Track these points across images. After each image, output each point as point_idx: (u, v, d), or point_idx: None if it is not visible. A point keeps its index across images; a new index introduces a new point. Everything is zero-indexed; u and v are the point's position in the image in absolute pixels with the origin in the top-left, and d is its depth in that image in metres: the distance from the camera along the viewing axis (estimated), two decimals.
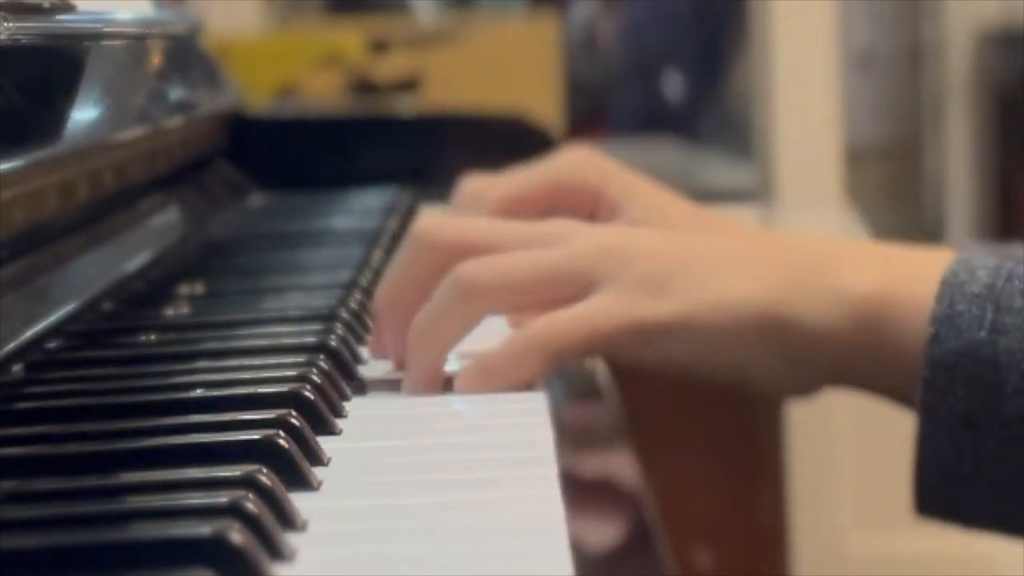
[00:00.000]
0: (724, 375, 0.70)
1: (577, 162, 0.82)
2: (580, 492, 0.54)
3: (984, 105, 2.93)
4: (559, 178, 0.80)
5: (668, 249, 0.70)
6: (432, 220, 0.72)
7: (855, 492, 2.09)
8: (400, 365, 0.70)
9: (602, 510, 0.56)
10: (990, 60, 2.90)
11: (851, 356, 0.69)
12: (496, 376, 0.66)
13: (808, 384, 0.72)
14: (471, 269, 0.68)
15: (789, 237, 0.79)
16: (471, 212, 0.81)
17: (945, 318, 0.67)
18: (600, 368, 0.71)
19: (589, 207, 0.79)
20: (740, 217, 0.82)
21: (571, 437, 0.60)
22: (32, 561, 0.45)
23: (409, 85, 2.01)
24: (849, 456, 2.05)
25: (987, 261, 0.69)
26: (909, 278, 0.69)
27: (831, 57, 2.01)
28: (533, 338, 0.67)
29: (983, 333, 0.66)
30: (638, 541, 0.52)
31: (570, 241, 0.70)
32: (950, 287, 0.68)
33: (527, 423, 0.61)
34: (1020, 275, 0.68)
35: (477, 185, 0.84)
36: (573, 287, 0.68)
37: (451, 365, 0.69)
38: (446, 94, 2.02)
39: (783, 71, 2.00)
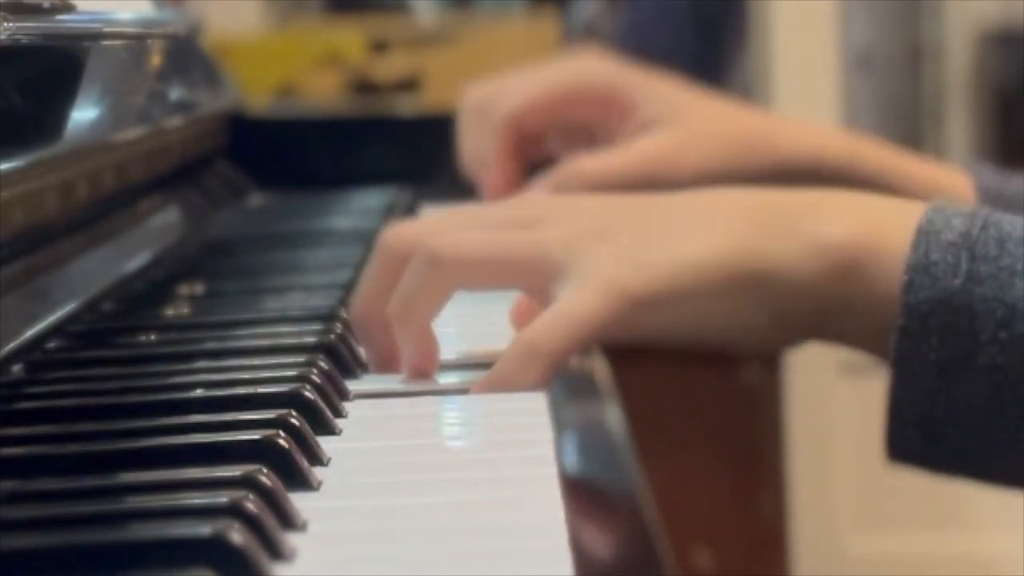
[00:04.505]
0: (713, 338, 0.70)
1: (586, 68, 0.81)
2: (580, 492, 0.54)
3: (984, 105, 2.93)
4: (569, 87, 0.79)
5: (637, 221, 0.70)
6: (394, 226, 0.72)
7: (855, 492, 2.09)
8: (394, 364, 0.70)
9: (602, 510, 0.56)
10: (990, 60, 2.90)
11: (829, 306, 0.69)
12: (501, 391, 0.67)
13: (791, 337, 0.73)
14: (436, 242, 0.68)
15: (764, 188, 0.79)
16: (480, 129, 0.79)
17: (920, 266, 0.67)
18: (600, 368, 0.71)
19: (600, 112, 0.78)
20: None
21: (571, 437, 0.60)
22: (32, 561, 0.45)
23: (409, 85, 2.00)
24: (849, 456, 2.05)
25: (963, 209, 0.69)
26: (885, 226, 0.69)
27: (831, 57, 2.01)
28: (525, 347, 0.66)
29: (958, 281, 0.67)
30: (638, 541, 0.52)
31: (538, 227, 0.69)
32: (925, 235, 0.68)
33: (527, 423, 0.61)
34: (995, 223, 0.68)
35: (483, 97, 0.83)
36: (543, 275, 0.68)
37: (451, 377, 0.69)
38: (446, 94, 2.01)
39: (783, 71, 2.00)
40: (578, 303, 0.66)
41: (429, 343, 0.68)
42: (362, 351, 0.72)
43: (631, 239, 0.68)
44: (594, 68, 0.81)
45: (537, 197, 0.73)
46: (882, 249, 0.68)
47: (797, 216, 0.70)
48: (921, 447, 0.69)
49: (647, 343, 0.69)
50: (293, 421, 0.57)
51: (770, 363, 1.68)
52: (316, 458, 0.56)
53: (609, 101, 0.78)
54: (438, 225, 0.71)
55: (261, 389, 0.62)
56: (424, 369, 0.68)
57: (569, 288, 0.67)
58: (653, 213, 0.70)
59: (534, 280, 0.68)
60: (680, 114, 0.80)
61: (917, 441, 0.69)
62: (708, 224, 0.69)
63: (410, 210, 1.10)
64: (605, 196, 0.75)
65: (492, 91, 0.88)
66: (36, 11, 0.76)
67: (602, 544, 0.52)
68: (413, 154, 1.22)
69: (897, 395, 0.68)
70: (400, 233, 0.71)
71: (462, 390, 0.67)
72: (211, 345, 0.72)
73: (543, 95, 0.78)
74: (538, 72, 0.82)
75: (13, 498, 0.51)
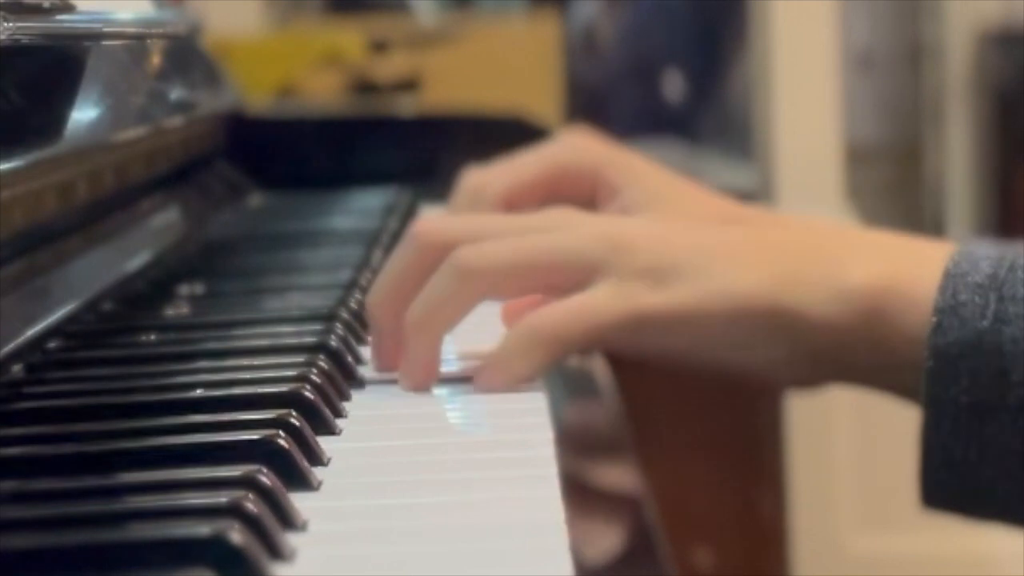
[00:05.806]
0: (725, 366, 0.70)
1: (575, 148, 0.82)
2: (580, 492, 0.54)
3: (984, 105, 2.93)
4: (558, 165, 0.80)
5: (669, 239, 0.70)
6: (428, 220, 0.72)
7: (855, 492, 2.09)
8: (396, 365, 0.70)
9: (602, 510, 0.56)
10: (990, 60, 2.90)
11: (854, 348, 0.69)
12: (499, 372, 0.66)
13: (811, 377, 0.72)
14: (469, 252, 0.67)
15: (791, 225, 0.79)
16: (472, 210, 0.80)
17: (948, 308, 0.67)
18: (600, 368, 0.71)
19: (589, 192, 0.79)
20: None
21: (571, 437, 0.60)
22: (32, 561, 0.45)
23: (409, 85, 2.00)
24: (849, 456, 2.04)
25: (989, 251, 0.69)
26: (911, 269, 0.69)
27: (831, 57, 2.01)
28: (534, 331, 0.66)
29: (987, 323, 0.66)
30: (638, 541, 0.52)
31: (570, 229, 0.69)
32: (952, 277, 0.68)
33: (527, 423, 0.61)
34: (1022, 264, 0.68)
35: (476, 181, 0.84)
36: (573, 275, 0.68)
37: (450, 366, 0.69)
38: (446, 94, 2.02)
39: (783, 71, 2.00)
40: (590, 302, 0.67)
41: (434, 357, 0.68)
42: (364, 350, 0.72)
43: (659, 256, 0.68)
44: (583, 150, 0.81)
45: (566, 212, 0.73)
46: (909, 293, 0.68)
47: (825, 257, 0.69)
48: (956, 491, 0.68)
49: (660, 362, 0.69)
50: (293, 421, 0.57)
51: None
52: (316, 458, 0.56)
53: (595, 183, 0.79)
54: (471, 227, 0.70)
55: (261, 389, 0.62)
56: (420, 383, 0.67)
57: (590, 290, 0.67)
58: (685, 237, 0.70)
59: (563, 279, 0.68)
60: (661, 203, 0.81)
61: (951, 485, 0.68)
62: (737, 257, 0.69)
63: (410, 210, 1.10)
64: (639, 210, 0.75)
65: (484, 177, 0.89)
66: (36, 11, 0.76)
67: (602, 544, 0.52)
68: (413, 154, 1.22)
69: (929, 438, 0.68)
70: (434, 229, 0.70)
71: (462, 384, 0.67)
72: (211, 345, 0.72)
73: (532, 175, 0.79)
74: (531, 154, 0.82)
75: (13, 498, 0.51)
